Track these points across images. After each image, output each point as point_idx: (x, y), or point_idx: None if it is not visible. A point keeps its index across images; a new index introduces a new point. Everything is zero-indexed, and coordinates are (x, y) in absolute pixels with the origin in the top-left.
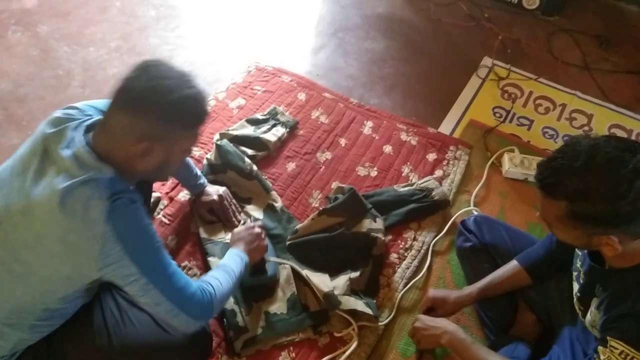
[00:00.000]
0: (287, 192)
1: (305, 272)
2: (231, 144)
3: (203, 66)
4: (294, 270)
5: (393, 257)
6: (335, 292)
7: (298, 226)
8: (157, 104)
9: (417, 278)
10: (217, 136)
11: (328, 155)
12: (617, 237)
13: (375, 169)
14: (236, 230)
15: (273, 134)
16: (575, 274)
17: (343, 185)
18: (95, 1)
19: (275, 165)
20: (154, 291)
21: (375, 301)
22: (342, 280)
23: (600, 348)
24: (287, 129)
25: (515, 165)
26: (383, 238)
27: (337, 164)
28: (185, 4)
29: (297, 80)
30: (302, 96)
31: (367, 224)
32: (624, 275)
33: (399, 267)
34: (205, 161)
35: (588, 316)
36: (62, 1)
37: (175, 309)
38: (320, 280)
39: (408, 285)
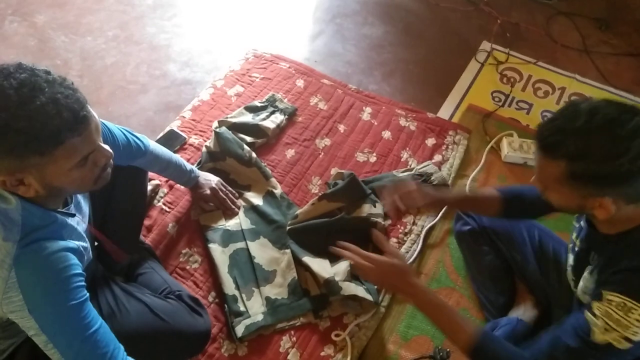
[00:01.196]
0: (286, 178)
1: (306, 259)
2: (230, 132)
3: (201, 54)
4: (294, 256)
5: (393, 241)
6: (336, 278)
7: (298, 211)
8: None
9: (416, 262)
10: (215, 124)
11: (327, 141)
12: (612, 199)
13: (374, 154)
14: None
15: (272, 121)
16: (570, 245)
17: (342, 171)
18: None
19: (274, 152)
20: (57, 355)
21: (375, 287)
22: (342, 266)
23: (594, 303)
24: (286, 116)
25: (515, 150)
26: (383, 222)
27: (336, 150)
28: None
29: (295, 67)
30: (300, 83)
31: (367, 209)
32: (618, 240)
33: None
34: (204, 149)
35: (580, 283)
36: None
37: None
38: (321, 267)
39: None
